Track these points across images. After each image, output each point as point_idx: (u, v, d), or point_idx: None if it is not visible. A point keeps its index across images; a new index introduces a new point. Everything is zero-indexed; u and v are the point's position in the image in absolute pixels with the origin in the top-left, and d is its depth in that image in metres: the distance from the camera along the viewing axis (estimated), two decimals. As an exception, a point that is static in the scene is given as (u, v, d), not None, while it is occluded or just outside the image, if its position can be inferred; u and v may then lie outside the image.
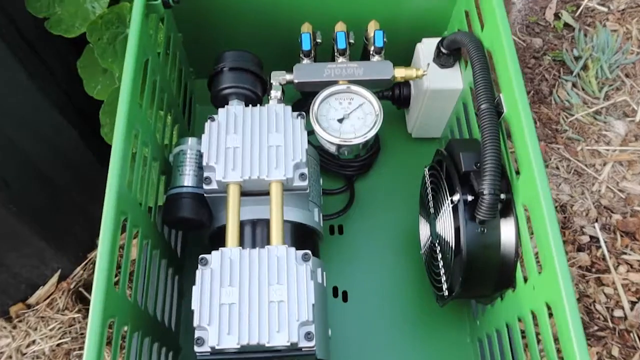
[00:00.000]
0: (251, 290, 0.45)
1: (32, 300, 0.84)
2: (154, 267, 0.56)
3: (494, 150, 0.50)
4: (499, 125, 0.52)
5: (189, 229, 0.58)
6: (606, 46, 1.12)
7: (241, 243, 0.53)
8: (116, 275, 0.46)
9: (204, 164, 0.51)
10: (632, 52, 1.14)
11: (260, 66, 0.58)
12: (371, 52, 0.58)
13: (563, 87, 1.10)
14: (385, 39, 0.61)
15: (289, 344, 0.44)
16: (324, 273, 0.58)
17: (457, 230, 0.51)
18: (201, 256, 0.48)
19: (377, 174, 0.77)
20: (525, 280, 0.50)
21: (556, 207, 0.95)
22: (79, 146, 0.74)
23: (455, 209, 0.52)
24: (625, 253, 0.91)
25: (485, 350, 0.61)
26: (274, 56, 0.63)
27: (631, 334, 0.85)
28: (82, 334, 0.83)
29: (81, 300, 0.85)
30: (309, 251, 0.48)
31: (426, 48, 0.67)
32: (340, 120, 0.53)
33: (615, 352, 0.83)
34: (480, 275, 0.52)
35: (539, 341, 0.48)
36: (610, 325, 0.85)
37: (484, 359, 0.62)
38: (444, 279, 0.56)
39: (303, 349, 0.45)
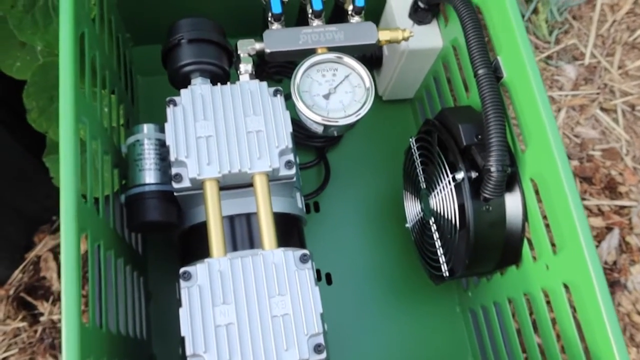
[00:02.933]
0: (249, 307, 0.39)
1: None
2: (120, 278, 0.49)
3: (499, 121, 0.45)
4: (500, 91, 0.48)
5: (155, 231, 0.51)
6: (556, -12, 1.09)
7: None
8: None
9: (172, 159, 0.43)
10: (578, -7, 1.13)
11: (223, 34, 0.49)
12: (350, 12, 0.51)
13: (515, 32, 1.08)
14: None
15: None
16: (314, 264, 0.53)
17: (461, 209, 0.47)
18: (183, 270, 0.41)
19: (348, 142, 0.71)
20: (535, 258, 0.47)
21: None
22: (2, 139, 0.62)
23: (458, 186, 0.48)
24: (584, 199, 0.93)
25: (480, 321, 0.59)
26: (226, 18, 0.54)
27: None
28: (30, 343, 0.74)
29: (24, 306, 0.75)
30: (307, 251, 0.43)
31: (400, 1, 0.61)
32: (327, 96, 0.46)
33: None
34: (485, 254, 0.49)
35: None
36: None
37: (478, 330, 0.60)
38: (443, 259, 0.52)
39: (316, 363, 0.41)
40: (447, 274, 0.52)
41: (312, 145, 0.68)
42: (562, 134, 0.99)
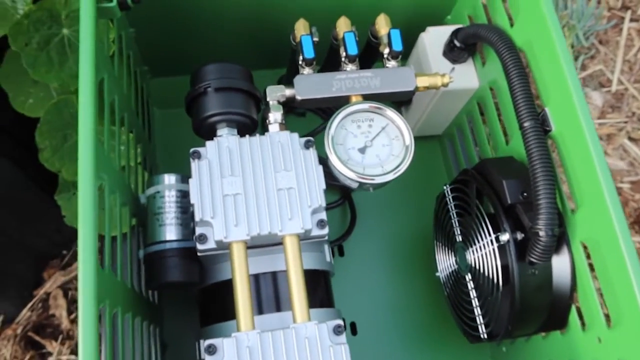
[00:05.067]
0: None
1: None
2: (137, 336, 0.45)
3: (548, 180, 0.42)
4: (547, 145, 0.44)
5: (175, 289, 0.47)
6: (581, 12, 1.06)
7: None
8: None
9: (197, 219, 0.40)
10: (603, 17, 1.09)
11: (251, 80, 0.46)
12: (386, 56, 0.48)
13: (540, 57, 1.04)
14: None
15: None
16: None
17: (504, 271, 0.44)
18: (209, 343, 0.37)
19: (374, 181, 0.67)
20: (584, 326, 0.44)
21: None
22: (12, 175, 0.59)
23: (501, 247, 0.44)
24: (614, 235, 0.89)
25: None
26: (246, 49, 0.51)
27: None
28: (37, 384, 0.71)
29: (32, 345, 0.72)
30: (341, 322, 0.39)
31: (433, 38, 0.57)
32: (362, 150, 0.43)
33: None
34: (528, 318, 0.46)
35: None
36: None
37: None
38: (481, 319, 0.49)
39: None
40: (486, 336, 0.48)
41: (335, 185, 0.65)
42: (589, 164, 0.96)
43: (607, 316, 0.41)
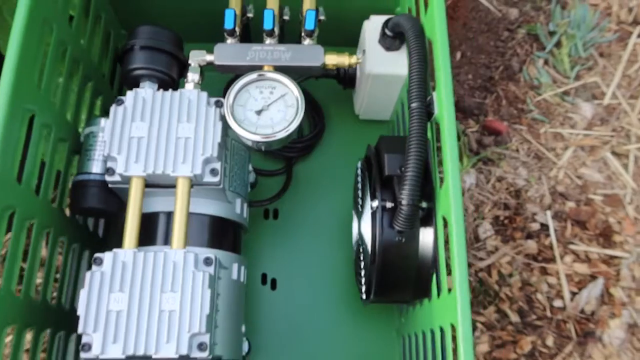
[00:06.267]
0: (142, 298, 0.43)
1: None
2: (71, 256, 0.53)
3: (418, 156, 0.46)
4: (428, 127, 0.49)
5: (100, 217, 0.55)
6: (582, 22, 1.06)
7: (147, 237, 0.50)
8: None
9: (105, 153, 0.47)
10: (609, 30, 1.08)
11: (178, 45, 0.53)
12: (302, 35, 0.53)
13: (534, 64, 1.05)
14: (322, 17, 0.55)
15: (177, 356, 0.42)
16: (243, 268, 0.56)
17: (373, 237, 0.49)
18: (96, 255, 0.45)
19: (320, 156, 0.73)
20: (439, 294, 0.48)
21: (510, 192, 0.93)
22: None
23: (374, 214, 0.49)
24: (573, 243, 0.90)
25: (405, 349, 0.60)
26: (207, 26, 0.58)
27: (567, 324, 0.85)
28: None
29: None
30: (211, 256, 0.46)
31: (373, 26, 0.62)
32: (259, 112, 0.49)
33: (549, 341, 0.84)
34: (395, 283, 0.50)
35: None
36: (549, 314, 0.85)
37: (404, 357, 0.61)
38: (362, 281, 0.53)
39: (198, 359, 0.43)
40: (364, 296, 0.53)
41: (283, 155, 0.71)
42: (564, 173, 0.96)
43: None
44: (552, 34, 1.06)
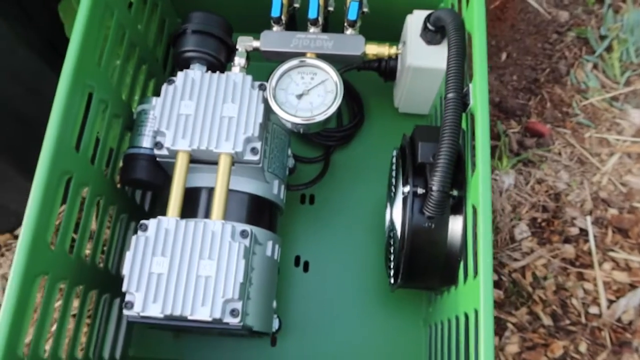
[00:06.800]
0: (182, 263, 0.46)
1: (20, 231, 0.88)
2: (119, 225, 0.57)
3: (451, 143, 0.47)
4: (463, 118, 0.50)
5: (147, 189, 0.59)
6: (636, 26, 1.03)
7: (189, 209, 0.53)
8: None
9: (155, 128, 0.51)
10: (667, 35, 1.05)
11: (227, 31, 0.56)
12: (344, 25, 0.55)
13: (582, 67, 1.03)
14: (365, 10, 0.57)
15: (210, 319, 0.44)
16: (277, 247, 0.58)
17: (403, 222, 0.50)
18: (142, 222, 0.48)
19: (358, 147, 0.75)
20: (465, 280, 0.49)
21: (550, 195, 0.92)
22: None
23: (405, 199, 0.50)
24: (613, 250, 0.88)
25: (431, 338, 0.61)
26: (256, 17, 0.61)
27: (602, 332, 0.83)
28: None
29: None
30: (248, 228, 0.48)
31: (416, 20, 0.63)
32: (299, 96, 0.51)
33: (582, 348, 0.82)
34: (423, 268, 0.51)
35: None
36: (583, 321, 0.84)
37: (429, 347, 0.62)
38: (391, 265, 0.55)
39: (230, 324, 0.46)
40: (392, 281, 0.54)
41: (322, 143, 0.73)
42: (607, 179, 0.94)
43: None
44: (602, 38, 1.04)
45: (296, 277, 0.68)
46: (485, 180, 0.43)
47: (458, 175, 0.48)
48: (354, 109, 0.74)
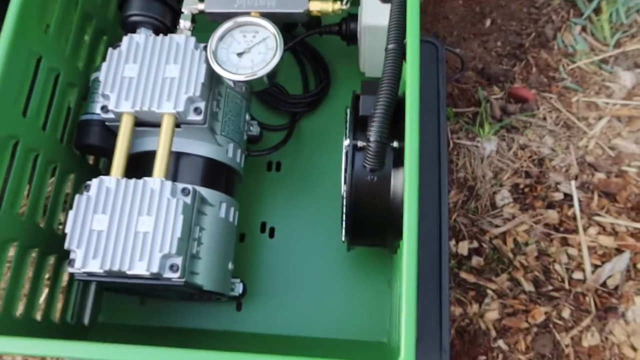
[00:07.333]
0: (121, 220, 0.46)
1: None
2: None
3: (389, 93, 0.47)
4: (402, 68, 0.49)
5: (102, 155, 0.60)
6: (625, -14, 1.00)
7: (139, 174, 0.54)
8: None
9: (100, 92, 0.51)
10: (659, -6, 1.01)
11: (175, -2, 0.57)
12: (290, -18, 0.55)
13: (570, 31, 1.00)
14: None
15: (148, 273, 0.45)
16: (233, 209, 0.59)
17: (345, 176, 0.50)
18: (86, 183, 0.49)
19: (325, 112, 0.74)
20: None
21: (533, 161, 0.90)
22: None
23: (347, 154, 0.50)
24: (599, 215, 0.86)
25: (394, 298, 0.60)
26: None
27: (587, 298, 0.81)
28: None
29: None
30: (189, 187, 0.49)
31: (372, -21, 0.63)
32: (240, 55, 0.51)
33: (565, 314, 0.81)
34: (369, 224, 0.51)
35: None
36: (567, 286, 0.82)
37: (392, 307, 0.62)
38: (343, 225, 0.55)
39: (172, 279, 0.47)
40: (343, 239, 0.54)
41: (289, 110, 0.73)
42: (595, 143, 0.92)
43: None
44: (590, 0, 1.01)
45: (262, 243, 0.68)
46: (413, 125, 0.43)
47: (399, 125, 0.48)
48: (320, 75, 0.73)
